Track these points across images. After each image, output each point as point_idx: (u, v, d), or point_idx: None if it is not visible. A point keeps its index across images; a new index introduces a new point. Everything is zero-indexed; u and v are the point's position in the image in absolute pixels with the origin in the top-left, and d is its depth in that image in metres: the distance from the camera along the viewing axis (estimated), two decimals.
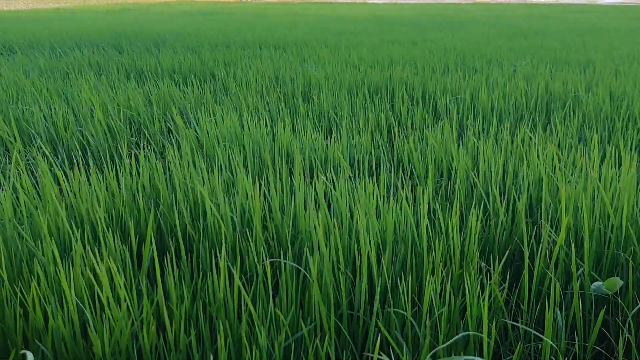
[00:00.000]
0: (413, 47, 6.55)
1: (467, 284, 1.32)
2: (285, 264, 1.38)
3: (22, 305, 1.41)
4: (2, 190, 1.89)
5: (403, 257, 1.46)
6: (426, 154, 2.14)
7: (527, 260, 1.39)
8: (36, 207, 1.67)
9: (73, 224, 1.63)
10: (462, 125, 2.71)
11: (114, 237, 1.52)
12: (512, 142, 2.36)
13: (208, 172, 1.97)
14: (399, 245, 1.48)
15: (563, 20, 13.66)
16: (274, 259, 1.46)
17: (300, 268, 1.33)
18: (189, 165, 1.94)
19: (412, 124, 2.86)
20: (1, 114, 2.79)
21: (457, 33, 9.39)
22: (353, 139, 2.46)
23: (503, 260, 1.40)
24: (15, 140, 2.45)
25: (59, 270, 1.43)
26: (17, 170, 2.17)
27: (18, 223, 1.67)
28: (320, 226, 1.30)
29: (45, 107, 2.98)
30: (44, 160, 2.30)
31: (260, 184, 1.67)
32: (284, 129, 2.41)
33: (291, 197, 1.71)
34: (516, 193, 1.92)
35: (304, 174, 2.08)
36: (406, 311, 1.30)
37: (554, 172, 2.01)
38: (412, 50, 6.02)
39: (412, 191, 1.94)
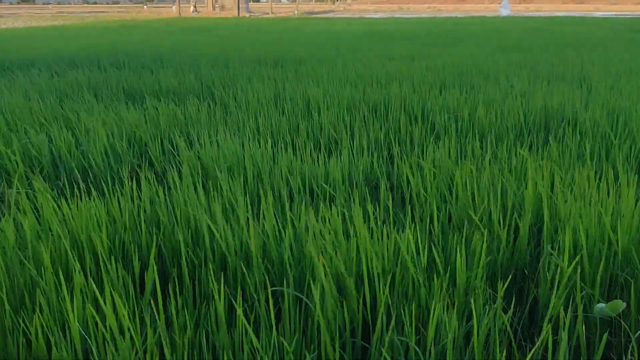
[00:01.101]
0: (411, 63, 6.59)
1: (473, 310, 1.32)
2: (286, 292, 1.38)
3: (24, 335, 1.40)
4: (3, 217, 1.89)
5: (405, 284, 1.46)
6: (425, 176, 2.14)
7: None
8: (38, 235, 1.67)
9: (74, 252, 1.63)
10: (460, 145, 2.72)
11: (116, 264, 1.52)
12: (510, 161, 2.37)
13: (208, 197, 1.97)
14: (400, 271, 1.48)
15: (560, 33, 13.74)
16: (275, 288, 1.46)
17: (301, 297, 1.33)
18: (188, 190, 1.94)
19: (411, 143, 2.87)
20: (2, 138, 2.80)
21: (455, 48, 9.44)
22: (353, 159, 2.47)
23: (505, 285, 1.41)
24: (18, 166, 2.45)
25: (63, 299, 1.43)
26: (19, 196, 2.17)
27: (19, 250, 1.67)
28: (326, 256, 1.30)
29: (46, 130, 2.99)
30: (46, 185, 2.30)
31: (258, 212, 1.68)
32: (285, 150, 2.42)
33: (291, 223, 1.71)
34: (517, 214, 1.92)
35: (305, 200, 2.09)
36: (410, 339, 1.30)
37: (554, 192, 2.01)
38: (410, 67, 6.05)
39: (412, 215, 1.95)
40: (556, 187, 2.00)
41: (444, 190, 2.05)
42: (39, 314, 1.32)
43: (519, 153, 2.51)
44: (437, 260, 1.49)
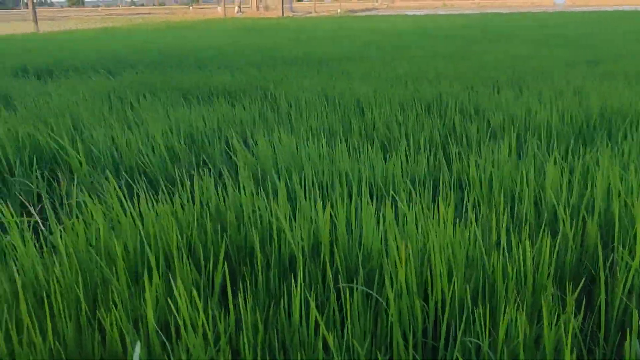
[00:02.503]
0: (459, 60, 6.50)
1: (544, 313, 1.29)
2: (356, 289, 1.38)
3: (100, 331, 1.44)
4: (71, 216, 1.94)
5: (475, 283, 1.44)
6: (488, 175, 2.11)
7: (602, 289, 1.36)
8: (112, 231, 1.72)
9: (144, 251, 1.67)
10: (519, 144, 2.67)
11: (188, 263, 1.55)
12: (575, 161, 2.31)
13: (268, 196, 1.99)
14: (470, 270, 1.47)
15: (614, 27, 13.32)
16: (348, 284, 1.45)
17: (373, 294, 1.33)
18: (247, 190, 1.96)
19: (467, 143, 2.83)
20: (66, 138, 2.88)
21: (503, 45, 9.27)
22: (410, 158, 2.45)
23: (578, 291, 1.37)
24: (82, 165, 2.52)
25: (135, 296, 1.46)
26: (84, 194, 2.23)
27: (91, 247, 1.72)
28: (402, 254, 1.30)
29: (107, 130, 3.07)
30: (109, 184, 2.36)
31: (325, 210, 1.68)
32: (341, 149, 2.42)
33: (355, 220, 1.71)
34: (586, 214, 1.87)
35: (369, 198, 2.08)
36: (482, 341, 1.28)
37: (623, 192, 1.95)
38: (459, 64, 5.97)
39: (475, 214, 1.92)
40: (623, 186, 1.94)
41: (507, 190, 2.01)
42: (114, 310, 1.35)
43: (581, 151, 2.44)
44: (508, 259, 1.47)
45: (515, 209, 1.95)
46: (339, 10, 46.88)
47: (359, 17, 32.85)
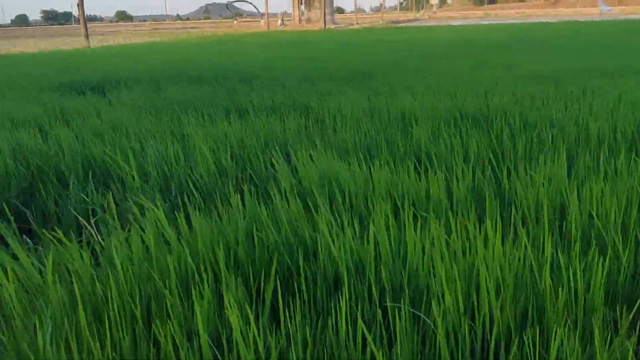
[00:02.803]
0: (507, 71, 6.43)
1: (596, 336, 1.27)
2: (400, 309, 1.39)
3: (154, 344, 1.49)
4: (125, 229, 2.01)
5: (524, 303, 1.43)
6: (536, 192, 2.09)
7: None
8: (167, 246, 1.77)
9: (194, 265, 1.72)
10: (570, 158, 2.63)
11: (235, 278, 1.59)
12: (624, 175, 2.26)
13: (312, 212, 2.01)
14: (519, 291, 1.46)
15: None
16: (394, 304, 1.46)
17: (421, 315, 1.34)
18: (290, 206, 1.99)
19: (514, 157, 2.80)
20: (118, 152, 2.98)
21: (550, 55, 9.13)
22: (454, 175, 2.44)
23: (632, 313, 1.35)
24: (134, 179, 2.61)
25: (189, 309, 1.50)
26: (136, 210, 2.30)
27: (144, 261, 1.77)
28: (443, 273, 1.30)
29: (156, 145, 3.15)
30: (159, 197, 2.43)
31: (369, 230, 1.69)
32: (381, 167, 2.43)
33: (399, 241, 1.72)
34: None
35: (408, 218, 2.08)
36: None
37: None
38: (505, 76, 5.91)
39: (525, 233, 1.90)
40: None
41: (557, 207, 1.99)
42: (168, 323, 1.39)
43: (634, 165, 2.39)
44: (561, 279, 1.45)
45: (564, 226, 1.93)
46: (380, 22, 46.94)
47: (402, 27, 32.82)
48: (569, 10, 62.20)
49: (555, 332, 1.31)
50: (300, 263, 1.65)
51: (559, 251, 1.75)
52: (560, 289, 1.40)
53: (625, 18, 32.15)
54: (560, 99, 4.30)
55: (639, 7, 52.94)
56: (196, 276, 1.64)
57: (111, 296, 1.49)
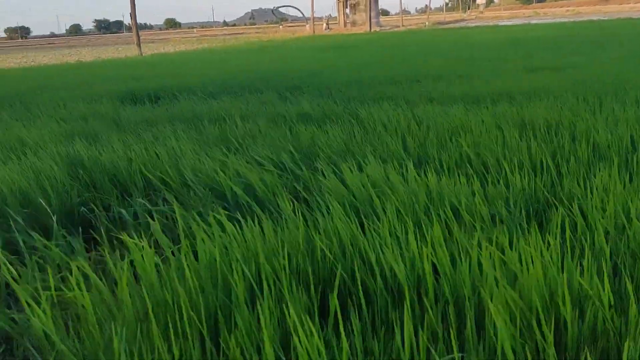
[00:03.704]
0: (557, 74, 6.32)
1: None
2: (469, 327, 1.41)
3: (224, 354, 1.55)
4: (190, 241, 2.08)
5: (593, 318, 1.43)
6: (595, 203, 2.07)
7: None
8: (236, 258, 1.82)
9: (256, 276, 1.77)
10: (628, 168, 2.58)
11: (297, 289, 1.63)
12: None
13: (365, 226, 2.03)
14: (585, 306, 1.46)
15: None
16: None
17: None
18: (344, 220, 2.03)
19: (574, 164, 2.75)
20: (172, 167, 3.07)
21: (601, 56, 8.89)
22: (509, 185, 2.44)
23: None
24: (191, 198, 2.69)
25: (253, 319, 1.56)
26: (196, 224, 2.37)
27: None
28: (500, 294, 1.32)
29: (206, 158, 3.22)
30: (217, 212, 2.50)
31: (425, 248, 1.71)
32: (436, 174, 2.44)
33: (458, 255, 1.73)
34: None
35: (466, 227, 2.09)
36: None
37: None
38: (557, 79, 5.81)
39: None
40: None
41: (620, 219, 1.96)
42: (237, 335, 1.45)
43: None
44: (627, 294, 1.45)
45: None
46: (426, 23, 46.59)
47: (448, 29, 32.49)
48: (622, 6, 60.29)
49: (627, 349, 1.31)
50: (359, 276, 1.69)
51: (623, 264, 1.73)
52: (630, 303, 1.39)
53: None
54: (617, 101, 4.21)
55: None
56: (258, 286, 1.69)
57: (182, 305, 1.55)
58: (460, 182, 2.42)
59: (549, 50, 10.86)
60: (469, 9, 76.56)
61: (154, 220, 2.65)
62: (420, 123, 3.95)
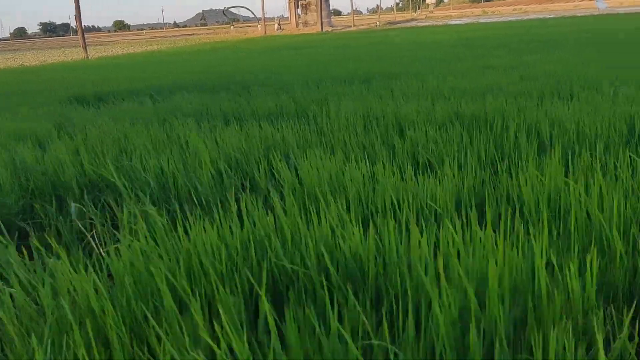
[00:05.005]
0: (504, 72, 6.43)
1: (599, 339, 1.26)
2: (404, 319, 1.38)
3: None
4: (119, 241, 2.00)
5: (524, 306, 1.42)
6: (536, 192, 2.08)
7: None
8: (160, 258, 1.76)
9: (188, 276, 1.71)
10: (567, 158, 2.62)
11: (229, 292, 1.58)
12: (621, 174, 2.26)
13: (314, 220, 2.00)
14: (518, 294, 1.45)
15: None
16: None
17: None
18: (293, 214, 1.99)
19: (515, 158, 2.79)
20: (113, 163, 2.98)
21: (549, 53, 9.12)
22: (454, 178, 2.44)
23: (631, 313, 1.34)
24: (130, 198, 2.61)
25: (185, 325, 1.49)
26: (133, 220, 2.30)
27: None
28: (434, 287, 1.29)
29: (154, 154, 3.16)
30: (157, 209, 2.43)
31: (369, 235, 1.69)
32: (384, 171, 2.42)
33: (402, 245, 1.71)
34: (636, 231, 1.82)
35: (417, 223, 2.08)
36: None
37: None
38: (504, 77, 5.91)
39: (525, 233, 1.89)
40: None
41: (556, 205, 1.98)
42: (165, 342, 1.39)
43: (631, 164, 2.38)
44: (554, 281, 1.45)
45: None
46: (378, 23, 47.03)
47: (399, 28, 32.87)
48: (567, 5, 62.27)
49: (555, 335, 1.30)
50: (299, 272, 1.64)
51: (557, 250, 1.75)
52: (557, 291, 1.39)
53: (625, 11, 32.14)
54: (559, 96, 4.29)
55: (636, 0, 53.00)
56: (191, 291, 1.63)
57: (108, 311, 1.48)
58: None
59: (500, 49, 11.07)
60: (419, 8, 77.65)
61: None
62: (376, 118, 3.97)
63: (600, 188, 1.96)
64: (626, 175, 2.22)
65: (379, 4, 68.79)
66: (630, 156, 2.46)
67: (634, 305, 1.49)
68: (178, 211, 2.42)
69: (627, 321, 1.33)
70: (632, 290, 1.67)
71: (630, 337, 1.45)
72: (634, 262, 1.73)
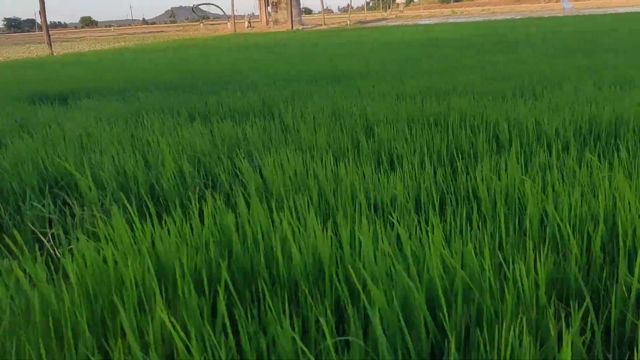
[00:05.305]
0: (471, 71, 6.51)
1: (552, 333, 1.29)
2: (353, 323, 1.39)
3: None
4: (78, 241, 1.97)
5: (477, 304, 1.45)
6: (493, 188, 2.12)
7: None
8: (124, 257, 1.74)
9: (150, 276, 1.69)
10: (526, 156, 2.67)
11: (191, 289, 1.57)
12: (578, 171, 2.31)
13: (276, 216, 2.00)
14: (472, 291, 1.47)
15: (623, 33, 13.25)
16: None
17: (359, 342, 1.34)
18: (256, 211, 1.98)
19: (474, 155, 2.83)
20: (76, 161, 2.93)
21: (514, 53, 9.26)
22: (415, 175, 2.46)
23: (583, 309, 1.37)
24: (90, 190, 2.57)
25: (144, 323, 1.48)
26: (94, 219, 2.26)
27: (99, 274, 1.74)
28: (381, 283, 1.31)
29: (116, 153, 3.11)
30: (118, 207, 2.40)
31: (329, 232, 1.69)
32: (347, 168, 2.43)
33: (359, 242, 1.72)
34: (591, 227, 1.87)
35: (371, 220, 2.09)
36: None
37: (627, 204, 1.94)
38: (471, 76, 5.98)
39: (479, 229, 1.92)
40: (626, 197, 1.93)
41: (513, 203, 2.01)
42: (122, 339, 1.37)
43: (587, 163, 2.44)
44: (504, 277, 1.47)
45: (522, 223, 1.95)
46: (348, 22, 47.12)
47: (370, 28, 33.00)
48: (534, 6, 63.35)
49: (508, 331, 1.33)
50: (258, 269, 1.64)
51: (514, 247, 1.78)
52: (510, 288, 1.42)
53: (590, 13, 32.84)
54: (521, 94, 4.37)
55: (602, 1, 54.22)
56: (153, 289, 1.62)
57: (65, 311, 1.46)
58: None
59: (469, 49, 11.19)
60: (389, 8, 78.09)
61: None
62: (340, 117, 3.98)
63: (554, 186, 2.00)
64: (583, 174, 2.28)
65: (349, 3, 69.03)
66: (587, 155, 2.51)
67: (585, 301, 1.52)
68: (132, 210, 2.39)
69: (577, 317, 1.37)
70: (584, 286, 1.71)
71: (583, 332, 1.48)
72: (587, 259, 1.77)
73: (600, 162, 2.43)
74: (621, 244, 1.67)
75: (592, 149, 2.84)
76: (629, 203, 1.86)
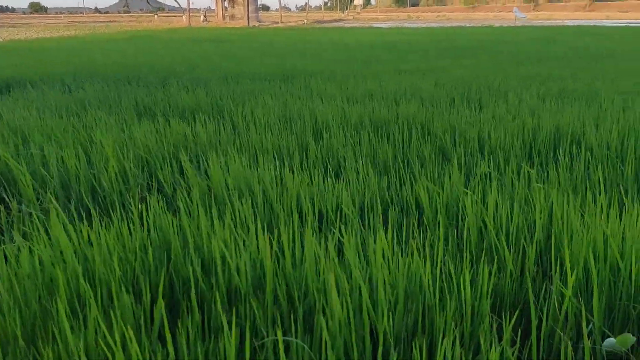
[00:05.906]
0: (420, 78, 6.61)
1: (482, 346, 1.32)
2: (296, 328, 1.39)
3: None
4: (13, 241, 1.91)
5: (415, 315, 1.47)
6: (435, 200, 2.15)
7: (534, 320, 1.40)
8: (52, 263, 1.69)
9: (86, 281, 1.65)
10: (469, 167, 2.73)
11: (127, 297, 1.54)
12: (517, 184, 2.37)
13: (218, 221, 1.98)
14: (410, 302, 1.49)
15: (571, 45, 13.71)
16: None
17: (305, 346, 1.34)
18: (198, 217, 1.96)
19: (421, 165, 2.87)
20: (14, 156, 2.83)
21: (465, 60, 9.45)
22: (359, 183, 2.48)
23: (514, 319, 1.41)
24: (28, 187, 2.48)
25: (77, 329, 1.44)
26: (30, 221, 2.19)
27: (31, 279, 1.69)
28: (332, 289, 1.31)
29: (58, 149, 3.02)
30: (57, 206, 2.32)
31: (271, 240, 1.68)
32: (293, 174, 2.43)
33: (302, 251, 1.72)
34: (526, 241, 1.92)
35: (314, 227, 2.09)
36: None
37: (562, 218, 2.01)
38: (419, 82, 6.07)
39: (422, 241, 1.95)
40: (562, 210, 1.99)
41: (453, 214, 2.05)
42: (51, 348, 1.33)
43: (526, 175, 2.51)
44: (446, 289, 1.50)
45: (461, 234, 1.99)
46: (305, 21, 47.11)
47: (326, 28, 33.09)
48: (488, 14, 64.86)
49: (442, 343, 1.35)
50: (197, 276, 1.62)
51: (453, 259, 1.81)
52: (447, 299, 1.44)
53: (541, 24, 33.85)
54: (468, 103, 4.46)
55: (553, 13, 56.02)
56: (86, 294, 1.58)
57: None
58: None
59: (418, 54, 11.36)
60: (346, 9, 78.48)
61: None
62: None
63: (497, 198, 2.05)
64: (521, 185, 2.34)
65: (307, 2, 68.99)
66: (525, 166, 2.59)
67: (516, 312, 1.57)
68: (74, 210, 2.33)
69: (508, 328, 1.40)
70: (518, 298, 1.76)
71: (513, 343, 1.53)
72: (521, 270, 1.83)
73: (537, 175, 2.51)
74: (553, 257, 1.72)
75: (533, 160, 2.93)
76: (566, 214, 1.92)
